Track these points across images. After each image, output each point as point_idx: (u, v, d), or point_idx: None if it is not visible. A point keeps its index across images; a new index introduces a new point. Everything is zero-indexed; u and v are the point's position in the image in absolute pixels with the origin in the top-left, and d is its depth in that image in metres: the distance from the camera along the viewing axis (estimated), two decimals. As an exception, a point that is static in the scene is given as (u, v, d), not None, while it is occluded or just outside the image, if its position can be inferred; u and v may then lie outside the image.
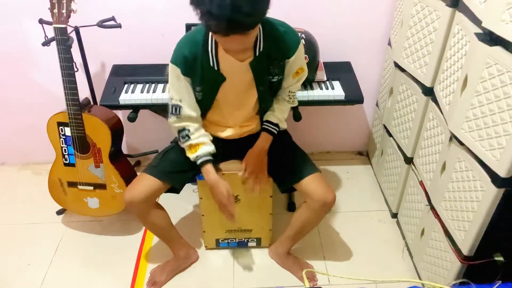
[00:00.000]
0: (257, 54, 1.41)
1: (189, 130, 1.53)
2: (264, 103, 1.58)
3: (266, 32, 1.40)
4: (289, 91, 1.60)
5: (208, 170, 1.55)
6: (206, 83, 1.46)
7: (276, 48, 1.43)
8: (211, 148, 1.56)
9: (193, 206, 2.19)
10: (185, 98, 1.49)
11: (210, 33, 1.38)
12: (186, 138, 1.54)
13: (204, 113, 1.59)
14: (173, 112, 1.51)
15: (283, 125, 1.65)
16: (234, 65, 1.42)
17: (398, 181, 2.01)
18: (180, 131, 1.54)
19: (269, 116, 1.61)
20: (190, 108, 1.51)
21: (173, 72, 1.44)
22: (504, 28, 1.14)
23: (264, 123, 1.61)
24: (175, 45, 1.44)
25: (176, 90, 1.47)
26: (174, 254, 1.84)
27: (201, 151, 1.54)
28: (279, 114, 1.61)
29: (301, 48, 1.48)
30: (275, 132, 1.61)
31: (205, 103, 1.54)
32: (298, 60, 1.50)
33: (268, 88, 1.54)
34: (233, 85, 1.48)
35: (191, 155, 1.55)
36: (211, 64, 1.41)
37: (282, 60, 1.47)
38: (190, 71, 1.43)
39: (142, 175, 1.61)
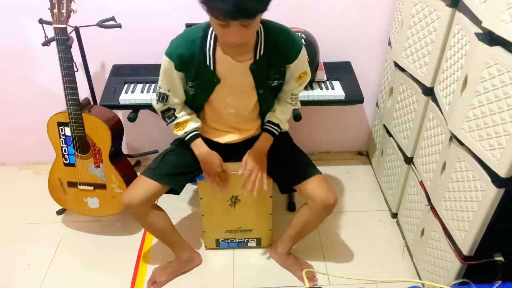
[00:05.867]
0: (257, 58, 1.40)
1: (174, 110, 1.55)
2: (265, 104, 1.58)
3: (268, 37, 1.39)
4: (292, 94, 1.59)
5: (198, 144, 1.58)
6: (200, 81, 1.46)
7: (277, 54, 1.42)
8: (198, 123, 1.58)
9: (193, 206, 2.18)
10: (174, 89, 1.49)
11: (210, 32, 1.38)
12: (173, 117, 1.56)
13: (198, 113, 1.59)
14: (160, 99, 1.52)
15: (285, 126, 1.64)
16: (232, 67, 1.41)
17: (398, 181, 2.01)
18: (166, 111, 1.56)
19: (270, 117, 1.60)
20: (176, 98, 1.52)
21: (167, 64, 1.43)
22: (504, 28, 1.14)
23: (265, 124, 1.61)
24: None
25: (166, 81, 1.47)
26: (176, 256, 1.84)
27: (189, 127, 1.56)
28: (280, 115, 1.60)
29: (303, 54, 1.46)
30: (276, 132, 1.60)
31: (198, 100, 1.54)
32: (300, 65, 1.49)
33: (268, 91, 1.54)
34: (230, 88, 1.47)
35: (179, 132, 1.57)
36: (207, 63, 1.40)
37: (282, 65, 1.47)
38: (184, 67, 1.42)
39: (140, 177, 1.61)
